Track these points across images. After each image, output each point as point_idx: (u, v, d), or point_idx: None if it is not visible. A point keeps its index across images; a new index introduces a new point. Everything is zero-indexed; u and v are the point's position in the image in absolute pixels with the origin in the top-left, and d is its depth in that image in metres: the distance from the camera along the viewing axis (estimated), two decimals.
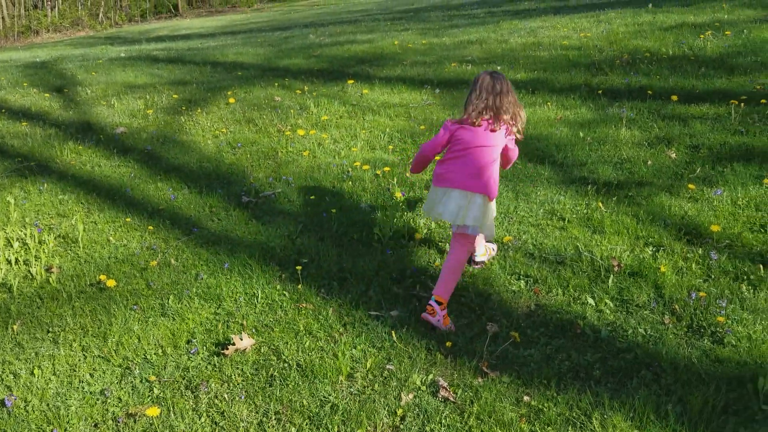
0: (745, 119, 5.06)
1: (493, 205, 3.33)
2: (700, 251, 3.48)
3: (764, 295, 3.08)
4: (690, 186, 4.15)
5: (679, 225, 3.76)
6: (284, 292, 3.44)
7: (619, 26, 8.66)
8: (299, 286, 3.47)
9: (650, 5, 9.93)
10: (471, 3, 16.78)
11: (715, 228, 3.59)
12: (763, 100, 5.31)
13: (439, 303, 3.08)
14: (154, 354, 3.04)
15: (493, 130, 3.18)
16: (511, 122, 3.22)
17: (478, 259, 3.57)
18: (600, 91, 6.14)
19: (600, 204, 4.10)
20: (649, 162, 4.61)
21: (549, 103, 6.03)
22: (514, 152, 3.38)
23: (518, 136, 3.28)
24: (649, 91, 5.90)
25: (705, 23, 8.08)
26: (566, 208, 4.13)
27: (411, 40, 9.96)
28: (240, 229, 4.21)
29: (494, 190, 3.22)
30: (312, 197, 4.61)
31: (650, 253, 3.53)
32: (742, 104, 5.28)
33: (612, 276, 3.35)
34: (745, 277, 3.24)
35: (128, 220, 4.44)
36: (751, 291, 3.13)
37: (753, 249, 3.46)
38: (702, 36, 7.41)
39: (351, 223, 4.20)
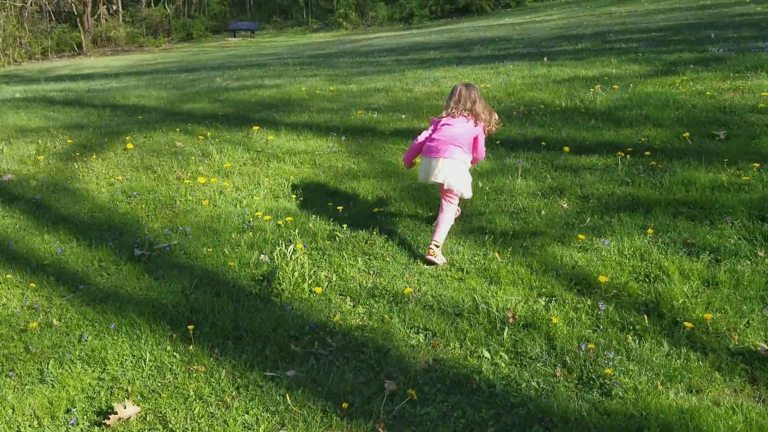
0: (631, 170, 5.34)
1: (465, 171, 4.38)
2: (589, 301, 3.60)
3: (649, 346, 3.21)
4: (580, 236, 4.31)
5: (570, 275, 3.88)
6: (175, 353, 3.29)
7: (516, 78, 9.05)
8: (191, 347, 3.33)
9: (545, 59, 10.45)
10: (379, 50, 17.15)
11: (602, 278, 3.73)
12: (647, 152, 5.63)
13: (437, 246, 4.13)
14: (29, 426, 2.82)
15: (467, 121, 4.38)
16: (485, 120, 4.49)
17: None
18: (498, 141, 6.35)
19: (497, 254, 4.19)
20: (543, 212, 4.77)
21: None
22: (482, 149, 4.55)
23: (494, 127, 4.63)
24: (543, 142, 6.15)
25: (595, 77, 8.56)
26: (465, 258, 4.19)
27: (319, 86, 10.03)
28: (131, 284, 4.02)
29: (462, 157, 4.34)
30: (210, 249, 4.48)
31: (543, 303, 3.62)
32: (628, 156, 5.58)
33: (507, 328, 3.40)
34: (632, 328, 3.37)
35: (9, 276, 4.16)
36: (637, 341, 3.26)
37: (639, 299, 3.61)
38: (592, 89, 7.83)
39: (250, 276, 4.10)
